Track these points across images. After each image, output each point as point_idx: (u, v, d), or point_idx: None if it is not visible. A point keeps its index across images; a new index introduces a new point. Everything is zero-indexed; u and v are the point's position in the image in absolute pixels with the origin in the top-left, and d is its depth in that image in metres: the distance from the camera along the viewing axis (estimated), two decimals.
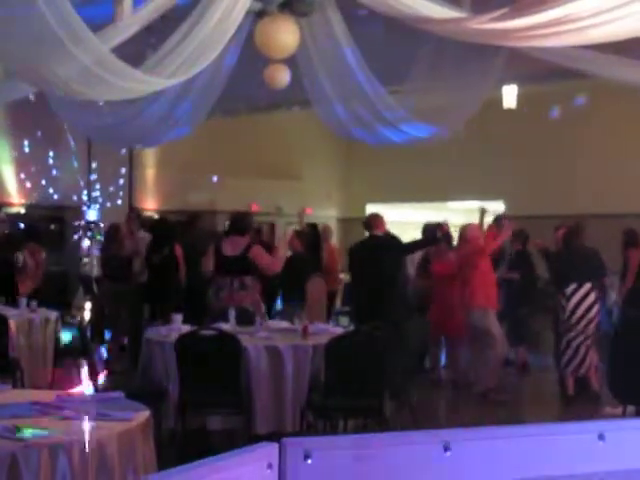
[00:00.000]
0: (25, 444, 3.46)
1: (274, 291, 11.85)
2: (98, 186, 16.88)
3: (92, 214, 16.51)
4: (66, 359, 9.67)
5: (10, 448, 3.42)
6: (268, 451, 1.69)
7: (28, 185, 16.12)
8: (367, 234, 10.25)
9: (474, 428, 1.89)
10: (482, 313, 9.60)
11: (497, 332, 9.70)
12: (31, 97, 8.73)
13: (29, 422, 3.77)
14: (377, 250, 9.88)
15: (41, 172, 16.18)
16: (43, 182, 16.23)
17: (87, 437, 3.60)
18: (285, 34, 7.62)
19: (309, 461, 1.69)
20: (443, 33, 7.79)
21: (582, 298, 9.36)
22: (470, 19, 7.37)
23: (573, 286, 9.39)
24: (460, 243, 10.28)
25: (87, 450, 3.54)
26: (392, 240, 10.21)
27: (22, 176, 16.06)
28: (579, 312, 9.37)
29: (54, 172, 16.31)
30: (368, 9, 7.31)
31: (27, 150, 15.93)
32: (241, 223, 9.26)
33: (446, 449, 1.78)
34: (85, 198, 16.66)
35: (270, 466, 1.67)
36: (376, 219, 10.18)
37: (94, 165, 16.68)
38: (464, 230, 10.25)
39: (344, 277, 14.16)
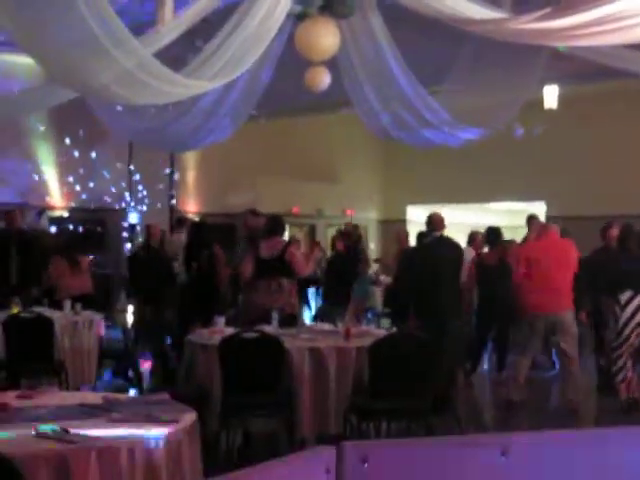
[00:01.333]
0: (74, 446, 3.49)
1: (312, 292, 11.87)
2: (140, 189, 16.98)
3: (134, 217, 16.61)
4: (110, 361, 9.76)
5: (59, 450, 3.45)
6: (326, 455, 1.68)
7: (71, 188, 16.25)
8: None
9: (533, 433, 1.87)
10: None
11: None
12: (73, 101, 8.78)
13: (77, 424, 3.79)
14: (452, 252, 9.84)
15: (83, 175, 16.29)
16: (85, 185, 16.35)
17: (135, 439, 3.62)
18: (326, 36, 7.61)
19: (366, 465, 1.68)
20: (484, 34, 7.75)
21: (637, 308, 9.00)
22: (512, 19, 7.33)
23: (628, 294, 9.03)
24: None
25: (135, 452, 3.56)
26: (453, 242, 10.13)
27: (65, 180, 16.19)
28: (632, 323, 9.04)
29: (96, 175, 16.42)
30: (408, 10, 7.29)
31: (69, 153, 16.06)
32: (277, 225, 9.27)
33: (504, 454, 1.77)
34: (127, 201, 16.76)
35: (328, 470, 1.67)
36: (442, 220, 10.05)
37: (136, 168, 16.79)
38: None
39: (384, 279, 14.14)
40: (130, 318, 12.47)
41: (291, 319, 8.08)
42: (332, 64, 8.24)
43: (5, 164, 15.27)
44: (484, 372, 11.11)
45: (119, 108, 9.44)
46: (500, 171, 17.29)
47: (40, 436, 3.62)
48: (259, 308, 8.74)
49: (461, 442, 1.83)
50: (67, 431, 3.60)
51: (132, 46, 5.97)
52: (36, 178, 15.85)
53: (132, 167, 16.80)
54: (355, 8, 7.86)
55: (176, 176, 17.62)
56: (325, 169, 19.19)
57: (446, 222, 9.96)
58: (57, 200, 16.19)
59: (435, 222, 9.86)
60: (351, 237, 12.66)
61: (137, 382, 7.95)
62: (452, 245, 9.89)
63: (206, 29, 7.13)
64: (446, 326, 7.87)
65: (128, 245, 16.44)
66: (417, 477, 1.67)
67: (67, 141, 15.92)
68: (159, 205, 16.97)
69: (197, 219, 16.41)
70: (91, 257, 11.76)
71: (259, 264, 8.96)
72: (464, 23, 7.47)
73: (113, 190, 16.68)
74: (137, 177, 16.88)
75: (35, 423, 3.82)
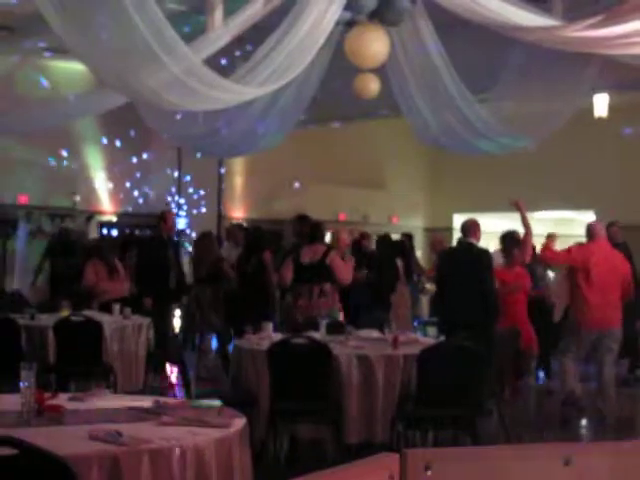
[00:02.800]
0: (126, 448, 3.52)
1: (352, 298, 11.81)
2: (188, 194, 17.09)
3: (182, 222, 16.73)
4: (158, 365, 9.83)
5: (112, 451, 3.48)
6: (389, 462, 1.69)
7: (119, 194, 16.41)
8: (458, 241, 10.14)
9: (596, 443, 1.86)
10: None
11: None
12: (123, 106, 8.88)
13: (129, 427, 3.83)
14: (472, 258, 9.78)
15: (132, 181, 16.45)
16: (134, 190, 16.50)
17: (186, 443, 3.64)
18: (375, 43, 7.61)
19: (429, 473, 1.68)
20: (534, 41, 7.72)
21: None
22: (563, 27, 7.29)
23: None
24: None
25: (187, 456, 3.58)
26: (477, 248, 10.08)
27: (114, 185, 16.35)
28: None
29: (145, 180, 16.56)
30: (458, 17, 7.27)
31: (118, 159, 16.21)
32: (318, 231, 9.31)
33: (567, 463, 1.76)
34: (175, 207, 16.87)
35: (391, 477, 1.67)
36: (474, 226, 10.03)
37: (185, 173, 16.90)
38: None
39: (429, 287, 14.08)
40: (177, 322, 12.59)
41: (336, 325, 8.07)
42: (381, 71, 8.25)
43: (56, 169, 15.45)
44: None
45: (169, 114, 9.52)
46: (547, 179, 17.15)
47: (93, 438, 3.65)
48: (303, 313, 8.78)
49: (524, 451, 1.82)
50: (120, 433, 3.63)
51: (182, 52, 6.03)
52: (86, 183, 16.02)
53: (181, 173, 16.91)
54: (405, 15, 7.85)
55: (224, 182, 17.71)
56: (372, 176, 19.18)
57: (493, 231, 9.92)
58: (106, 205, 16.34)
59: (465, 228, 9.87)
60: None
61: (185, 386, 8.01)
62: (474, 251, 9.85)
63: (255, 36, 7.17)
64: (494, 336, 7.81)
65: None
66: None
67: (117, 146, 16.08)
68: (206, 210, 17.05)
69: (244, 224, 16.49)
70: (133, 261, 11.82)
71: (299, 270, 9.02)
72: (514, 30, 7.45)
73: (161, 196, 16.80)
74: (186, 183, 16.99)
75: (87, 425, 3.86)
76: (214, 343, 11.71)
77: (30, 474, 3.17)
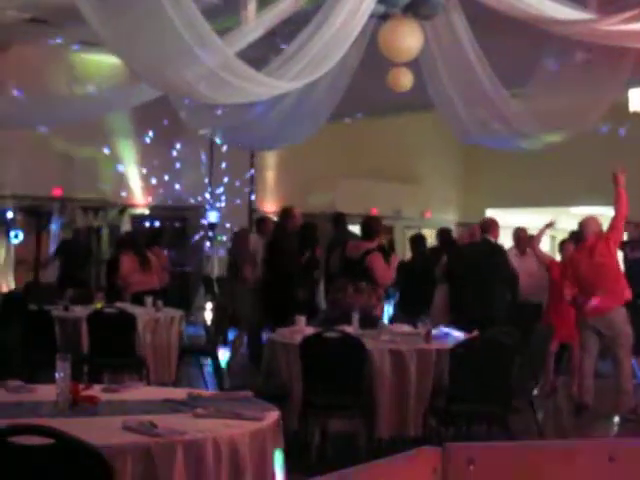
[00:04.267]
0: (161, 439, 3.53)
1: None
2: (220, 188, 17.13)
3: (213, 215, 16.76)
4: (190, 358, 9.87)
5: (146, 443, 3.50)
6: (432, 456, 1.68)
7: (152, 187, 16.48)
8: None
9: None
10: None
11: None
12: (156, 99, 8.92)
13: (163, 419, 3.84)
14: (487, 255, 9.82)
15: (164, 174, 16.52)
16: (166, 184, 16.57)
17: (220, 435, 3.65)
18: (409, 37, 7.59)
19: (472, 467, 1.67)
20: (569, 35, 7.67)
21: None
22: (599, 20, 7.24)
23: None
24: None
25: (220, 448, 3.59)
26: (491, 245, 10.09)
27: (146, 178, 16.43)
28: None
29: (177, 174, 16.62)
30: (492, 11, 7.23)
31: (151, 152, 16.29)
32: (367, 228, 9.29)
33: (611, 460, 1.74)
34: (207, 200, 16.92)
35: (434, 470, 1.67)
36: (493, 224, 10.10)
37: (216, 167, 16.94)
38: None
39: None
40: (209, 315, 12.60)
41: (370, 320, 8.05)
42: (415, 65, 8.22)
43: (87, 161, 15.55)
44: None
45: (200, 106, 9.54)
46: (583, 174, 17.00)
47: (127, 429, 3.67)
48: (342, 306, 8.79)
49: (568, 447, 1.80)
50: (154, 425, 3.64)
51: (216, 45, 6.03)
52: (118, 176, 16.11)
53: (213, 166, 16.96)
54: (439, 9, 7.82)
55: (256, 175, 17.74)
56: (404, 171, 19.14)
57: (527, 227, 9.92)
58: (139, 198, 16.43)
59: (482, 226, 10.07)
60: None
61: (218, 379, 8.04)
62: (484, 249, 9.85)
63: (288, 29, 7.17)
64: (529, 331, 7.76)
65: (207, 243, 16.61)
66: None
67: (149, 139, 16.15)
68: (239, 203, 17.09)
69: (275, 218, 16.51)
70: (165, 253, 11.88)
71: (343, 264, 9.06)
72: (549, 24, 7.40)
73: (193, 188, 16.86)
74: (217, 176, 17.03)
75: (121, 416, 3.88)
76: (246, 336, 11.71)
77: (66, 464, 3.20)
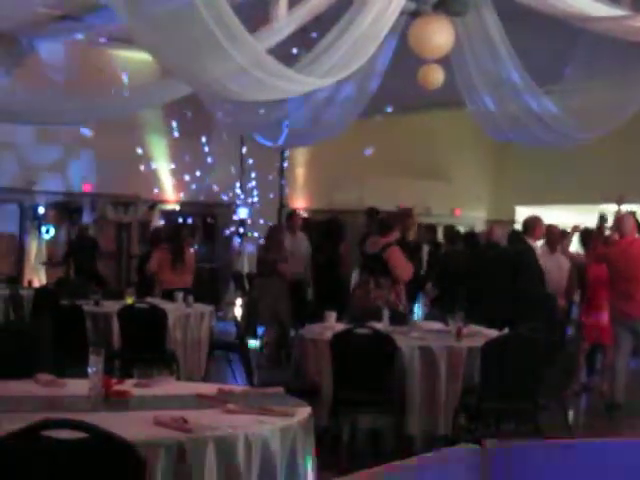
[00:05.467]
0: (192, 434, 3.55)
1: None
2: (249, 184, 17.16)
3: (243, 212, 16.79)
4: (220, 353, 9.89)
5: (178, 437, 3.51)
6: (473, 453, 1.68)
7: (182, 183, 16.54)
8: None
9: None
10: None
11: None
12: (186, 95, 8.96)
13: (194, 414, 3.86)
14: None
15: (194, 169, 16.58)
16: (197, 180, 16.62)
17: (251, 431, 3.66)
18: (439, 34, 7.57)
19: (511, 465, 1.67)
20: (602, 31, 7.61)
21: None
22: (632, 17, 7.19)
23: None
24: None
25: (252, 443, 3.60)
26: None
27: (176, 174, 16.50)
28: None
29: (208, 170, 16.67)
30: (524, 7, 7.20)
31: (181, 148, 16.35)
32: (385, 223, 9.28)
33: None
34: (237, 196, 16.96)
35: (473, 469, 1.66)
36: (536, 224, 10.00)
37: (247, 163, 16.98)
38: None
39: None
40: (239, 310, 12.67)
41: (395, 317, 8.01)
42: (446, 62, 8.20)
43: (118, 157, 15.64)
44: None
45: (231, 103, 9.56)
46: (616, 171, 16.87)
47: (159, 424, 3.69)
48: (358, 304, 8.79)
49: (610, 444, 1.79)
50: (185, 420, 3.66)
51: (246, 42, 6.03)
52: (149, 171, 16.19)
53: (243, 162, 16.99)
54: (470, 6, 7.80)
55: (286, 172, 17.76)
56: (434, 167, 19.09)
57: (557, 224, 9.87)
58: (168, 194, 16.50)
59: (523, 226, 10.07)
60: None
61: (247, 375, 8.02)
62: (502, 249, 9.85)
63: (319, 26, 7.16)
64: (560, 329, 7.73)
65: (238, 239, 16.66)
66: (563, 478, 1.65)
67: (180, 135, 16.21)
68: (269, 200, 17.11)
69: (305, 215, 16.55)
70: (194, 249, 11.91)
71: (363, 259, 9.07)
72: (581, 20, 7.36)
73: (224, 185, 16.90)
74: (248, 172, 17.07)
75: (154, 411, 3.90)
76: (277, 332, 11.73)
77: (100, 458, 3.22)
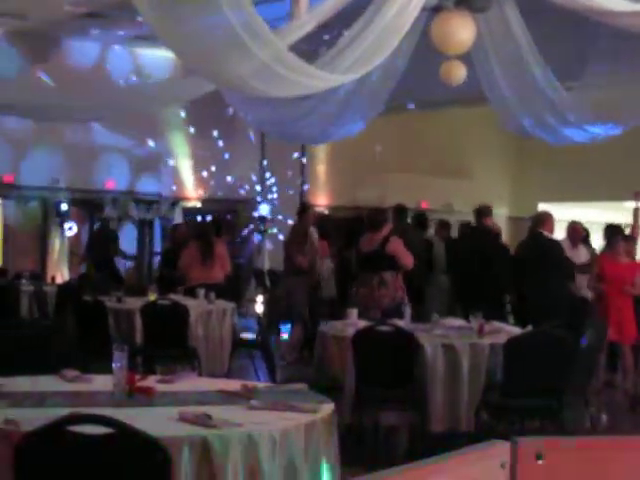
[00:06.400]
0: (216, 430, 3.56)
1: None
2: (271, 181, 17.17)
3: (264, 209, 16.81)
4: (242, 350, 9.90)
5: (202, 434, 3.52)
6: (501, 450, 1.67)
7: (203, 179, 16.57)
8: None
9: None
10: None
11: None
12: (208, 92, 8.98)
13: (218, 410, 3.87)
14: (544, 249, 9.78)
15: (216, 167, 16.60)
16: (217, 177, 16.65)
17: (275, 427, 3.67)
18: (461, 30, 7.54)
19: (540, 462, 1.66)
20: (624, 26, 7.57)
21: None
22: None
23: None
24: None
25: (275, 439, 3.61)
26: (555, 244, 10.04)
27: (198, 171, 16.53)
28: None
29: (228, 167, 16.70)
30: (546, 3, 7.16)
31: (202, 145, 16.38)
32: (374, 218, 9.28)
33: None
34: (258, 193, 16.97)
35: (503, 465, 1.66)
36: (547, 218, 10.05)
37: (268, 160, 17.00)
38: None
39: None
40: (260, 307, 12.67)
41: (398, 312, 7.98)
42: (468, 58, 8.18)
43: (142, 155, 15.70)
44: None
45: (252, 99, 9.57)
46: (638, 167, 16.75)
47: (183, 419, 3.70)
48: (363, 303, 8.77)
49: (635, 442, 1.78)
50: (209, 416, 3.67)
51: (268, 38, 6.04)
52: (170, 169, 16.23)
53: (264, 160, 17.01)
54: (492, 1, 7.77)
55: (307, 169, 17.76)
56: (456, 164, 19.03)
57: (582, 221, 9.89)
58: (190, 191, 16.53)
59: (535, 220, 10.24)
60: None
61: (270, 371, 8.05)
62: (538, 243, 9.83)
63: (341, 22, 7.15)
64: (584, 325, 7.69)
65: (259, 236, 16.67)
66: (593, 475, 1.64)
67: (201, 132, 16.24)
68: (290, 197, 17.12)
69: (326, 212, 16.54)
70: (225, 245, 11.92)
71: (360, 259, 9.05)
72: (603, 15, 7.31)
73: (245, 181, 16.92)
74: (269, 170, 17.08)
75: (177, 407, 3.92)
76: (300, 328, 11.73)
77: (125, 453, 3.25)
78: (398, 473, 1.54)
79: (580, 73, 8.71)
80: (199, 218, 16.03)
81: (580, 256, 10.87)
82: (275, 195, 17.12)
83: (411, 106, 15.20)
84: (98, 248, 14.16)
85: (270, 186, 17.11)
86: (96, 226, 15.41)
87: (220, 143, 16.50)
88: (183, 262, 10.84)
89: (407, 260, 9.00)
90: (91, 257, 14.22)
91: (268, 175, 17.11)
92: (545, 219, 10.11)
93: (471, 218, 11.78)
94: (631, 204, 17.52)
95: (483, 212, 10.75)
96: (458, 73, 8.15)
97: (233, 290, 11.40)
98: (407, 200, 13.85)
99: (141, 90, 11.37)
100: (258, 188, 16.98)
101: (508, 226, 18.95)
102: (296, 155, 17.39)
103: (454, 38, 7.58)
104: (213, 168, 16.57)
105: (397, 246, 9.00)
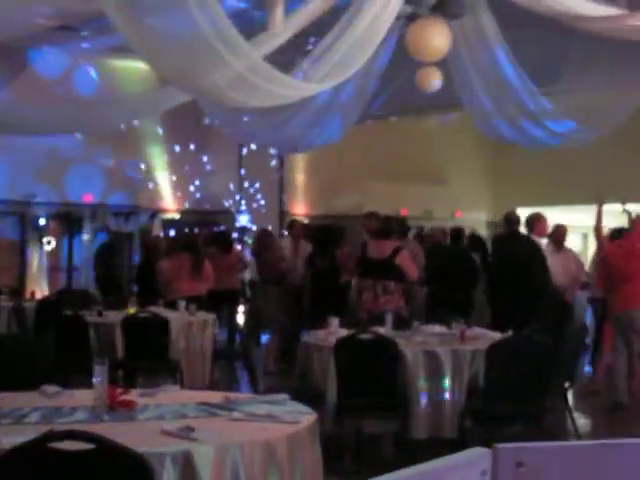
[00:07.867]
0: (198, 443, 3.54)
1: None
2: (249, 192, 17.16)
3: (243, 219, 16.79)
4: (223, 361, 9.88)
5: (184, 446, 3.50)
6: (482, 457, 1.67)
7: (181, 191, 16.54)
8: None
9: None
10: None
11: None
12: (184, 103, 8.96)
13: (199, 422, 3.85)
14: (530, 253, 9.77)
15: (194, 178, 16.58)
16: (196, 188, 16.62)
17: (257, 439, 3.65)
18: (437, 37, 7.57)
19: (522, 469, 1.66)
20: (599, 31, 7.61)
21: None
22: (629, 16, 7.18)
23: None
24: None
25: (257, 451, 3.59)
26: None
27: (176, 182, 16.49)
28: None
29: (206, 178, 16.67)
30: (520, 9, 7.20)
31: (180, 156, 16.35)
32: (388, 226, 9.26)
33: None
34: (237, 203, 16.95)
35: (484, 473, 1.65)
36: (539, 221, 10.04)
37: (246, 171, 16.98)
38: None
39: None
40: (241, 318, 12.62)
41: (400, 321, 8.02)
42: (443, 65, 8.20)
43: (119, 168, 15.64)
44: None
45: (229, 110, 9.56)
46: (615, 171, 16.84)
47: (165, 433, 3.68)
48: (367, 310, 8.76)
49: (622, 447, 1.77)
50: (192, 428, 3.65)
51: (243, 49, 6.03)
52: (148, 181, 16.18)
53: (242, 170, 16.99)
54: (467, 8, 7.80)
55: (285, 178, 17.76)
56: (434, 171, 19.09)
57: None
58: (169, 203, 16.48)
59: (533, 224, 10.17)
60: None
61: (252, 382, 8.04)
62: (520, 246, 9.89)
63: (315, 31, 7.16)
64: (563, 330, 7.72)
65: (239, 247, 16.64)
66: None
67: (178, 144, 16.21)
68: (268, 207, 17.11)
69: (305, 221, 16.53)
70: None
71: (365, 265, 9.01)
72: (578, 20, 7.35)
73: (223, 192, 16.90)
74: (247, 180, 17.07)
75: (159, 421, 3.89)
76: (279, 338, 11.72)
77: (107, 469, 3.22)
78: None
79: (556, 78, 8.76)
80: (174, 230, 15.97)
81: (564, 259, 10.86)
82: (254, 205, 17.11)
83: (387, 116, 15.23)
84: (103, 263, 14.11)
85: (250, 197, 17.10)
86: (102, 240, 15.32)
87: (198, 154, 16.48)
88: (168, 274, 10.69)
89: (413, 273, 9.03)
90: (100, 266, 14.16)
91: (247, 185, 17.10)
92: (538, 222, 10.08)
93: (449, 224, 11.78)
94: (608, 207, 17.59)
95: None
96: (434, 80, 8.17)
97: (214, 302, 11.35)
98: (386, 208, 13.87)
99: (115, 101, 11.31)
100: (237, 198, 16.96)
101: (487, 230, 19.03)
102: (274, 163, 17.39)
103: (430, 45, 7.61)
104: (191, 179, 16.54)
105: (406, 259, 9.01)
